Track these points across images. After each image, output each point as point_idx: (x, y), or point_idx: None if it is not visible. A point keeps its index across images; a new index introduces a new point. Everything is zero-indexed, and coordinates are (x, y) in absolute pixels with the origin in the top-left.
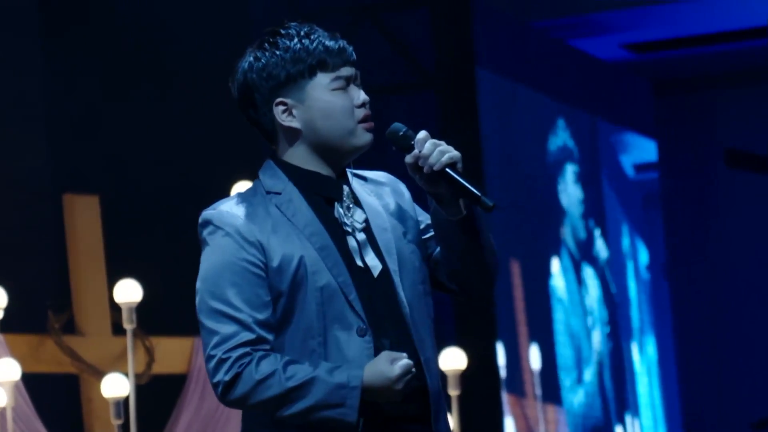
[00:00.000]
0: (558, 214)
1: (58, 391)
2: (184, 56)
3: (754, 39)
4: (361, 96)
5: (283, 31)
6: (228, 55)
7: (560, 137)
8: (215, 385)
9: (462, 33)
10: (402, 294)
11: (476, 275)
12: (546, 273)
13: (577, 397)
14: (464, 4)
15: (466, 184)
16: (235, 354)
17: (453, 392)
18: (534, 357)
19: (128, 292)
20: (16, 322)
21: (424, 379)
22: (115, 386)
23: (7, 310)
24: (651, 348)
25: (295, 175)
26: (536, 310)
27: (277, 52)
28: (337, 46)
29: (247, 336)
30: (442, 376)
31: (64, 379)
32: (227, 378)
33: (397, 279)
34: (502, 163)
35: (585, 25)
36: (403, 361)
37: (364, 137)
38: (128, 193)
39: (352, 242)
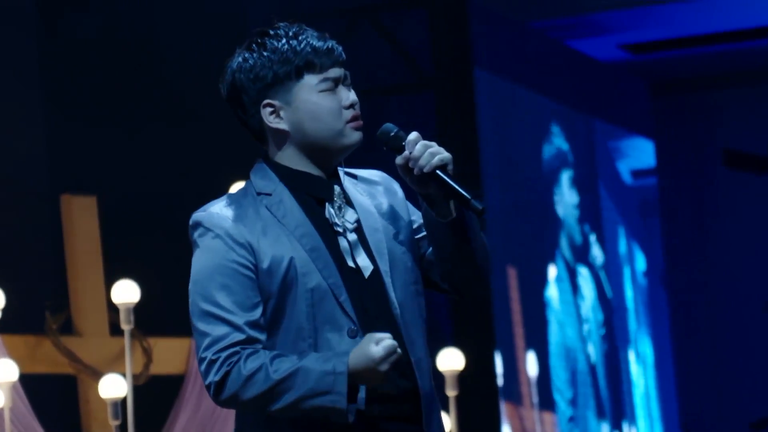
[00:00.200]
0: (554, 223)
1: (56, 391)
2: (182, 57)
3: (752, 39)
4: (350, 97)
5: (271, 32)
6: (225, 56)
7: (554, 144)
8: (208, 387)
9: (460, 33)
10: (393, 295)
11: (468, 276)
12: (543, 280)
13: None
14: (462, 4)
15: (456, 187)
16: (224, 354)
17: (450, 393)
18: (531, 364)
19: (126, 292)
20: (14, 323)
21: (415, 380)
22: (113, 387)
23: (4, 310)
24: (648, 352)
25: (286, 175)
26: (533, 317)
27: (265, 53)
28: (325, 47)
29: (237, 337)
30: (440, 377)
31: (62, 380)
32: (217, 378)
33: (388, 280)
34: (499, 165)
35: (583, 26)
36: (387, 341)
37: (352, 137)
38: (126, 194)
39: (343, 243)
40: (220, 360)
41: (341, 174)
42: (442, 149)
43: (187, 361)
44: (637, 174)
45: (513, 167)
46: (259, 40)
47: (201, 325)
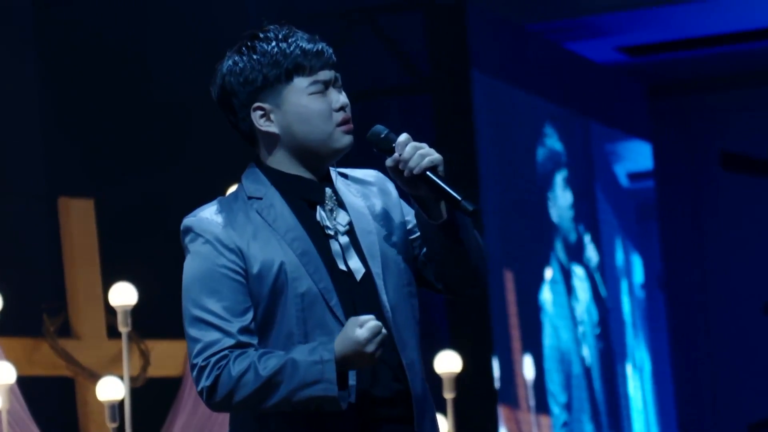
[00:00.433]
0: (549, 225)
1: (54, 394)
2: (180, 59)
3: (750, 42)
4: (340, 99)
5: (261, 35)
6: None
7: (548, 145)
8: (200, 393)
9: (457, 36)
10: (384, 297)
11: (462, 276)
12: (539, 283)
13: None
14: (460, 7)
15: (446, 188)
16: (214, 359)
17: (448, 395)
18: (527, 368)
19: (123, 295)
20: (12, 326)
21: (407, 382)
22: (111, 389)
23: (2, 313)
24: (645, 355)
25: (277, 179)
26: (529, 320)
27: (255, 56)
28: (314, 49)
29: (228, 343)
30: (437, 379)
31: (60, 382)
32: (208, 383)
33: (380, 282)
34: (497, 167)
35: (580, 28)
36: (371, 322)
37: (342, 140)
38: (123, 197)
39: (335, 246)
40: (210, 365)
41: (334, 175)
42: (432, 150)
43: (184, 364)
44: (634, 176)
45: (511, 169)
46: (249, 43)
47: (192, 331)
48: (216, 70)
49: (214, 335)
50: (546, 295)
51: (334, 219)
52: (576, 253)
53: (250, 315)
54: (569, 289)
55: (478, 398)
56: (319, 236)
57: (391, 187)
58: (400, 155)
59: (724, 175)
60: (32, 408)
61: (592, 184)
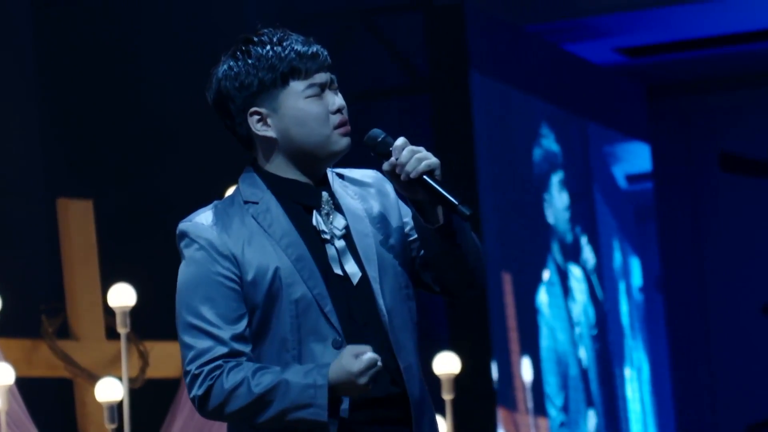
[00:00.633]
0: (546, 227)
1: (52, 395)
2: (178, 61)
3: (749, 43)
4: (337, 102)
5: (255, 39)
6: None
7: (544, 146)
8: (192, 400)
9: (456, 37)
10: (381, 301)
11: (460, 278)
12: (536, 285)
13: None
14: (458, 8)
15: (443, 192)
16: (207, 368)
17: (447, 397)
18: (526, 370)
19: (122, 296)
20: (10, 327)
21: (404, 386)
22: (109, 390)
23: (1, 314)
24: (643, 357)
25: (274, 183)
26: (527, 323)
27: (250, 61)
28: (309, 52)
29: (221, 350)
30: (436, 381)
31: (58, 384)
32: (200, 392)
33: (376, 286)
34: (496, 169)
35: (579, 29)
36: (367, 355)
37: (340, 143)
38: (122, 198)
39: (331, 250)
40: (203, 374)
41: (331, 177)
42: (429, 154)
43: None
44: (633, 178)
45: (509, 170)
46: (244, 48)
47: (185, 338)
48: (211, 75)
49: (207, 342)
50: (543, 297)
51: (331, 223)
52: (573, 254)
53: (244, 322)
54: (566, 291)
55: (476, 399)
56: (315, 241)
57: (389, 188)
58: (396, 159)
59: (723, 176)
60: (31, 409)
61: (590, 185)
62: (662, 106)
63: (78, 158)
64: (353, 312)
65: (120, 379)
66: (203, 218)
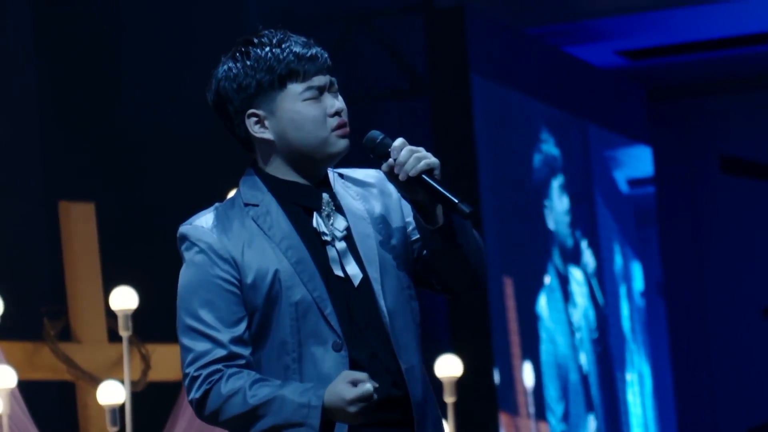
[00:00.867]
0: (546, 232)
1: (54, 398)
2: (179, 64)
3: (750, 46)
4: (335, 104)
5: (255, 40)
6: None
7: (544, 150)
8: (190, 403)
9: (456, 40)
10: (382, 303)
11: (461, 278)
12: (537, 291)
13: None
14: (459, 10)
15: (442, 191)
16: (206, 371)
17: (448, 399)
18: (527, 374)
19: (124, 299)
20: (12, 329)
21: (405, 388)
22: (111, 393)
23: (2, 317)
24: (644, 360)
25: (274, 185)
26: (529, 328)
27: (248, 62)
28: (309, 54)
29: (220, 353)
30: (438, 383)
31: (60, 387)
32: (198, 395)
33: (377, 287)
34: (496, 172)
35: (580, 32)
36: (364, 386)
37: (338, 145)
38: (124, 200)
39: (332, 252)
40: (201, 377)
41: (333, 177)
42: (429, 154)
43: None
44: (634, 181)
45: (510, 174)
46: (243, 49)
47: (185, 341)
48: (211, 75)
49: (206, 345)
50: (543, 304)
51: (331, 224)
52: (573, 258)
53: (243, 325)
54: (566, 296)
55: (478, 402)
56: (316, 243)
57: (391, 188)
58: (395, 160)
59: (724, 179)
60: (33, 412)
61: (591, 188)
62: (663, 108)
63: (79, 161)
64: (354, 314)
65: (122, 382)
66: (203, 221)
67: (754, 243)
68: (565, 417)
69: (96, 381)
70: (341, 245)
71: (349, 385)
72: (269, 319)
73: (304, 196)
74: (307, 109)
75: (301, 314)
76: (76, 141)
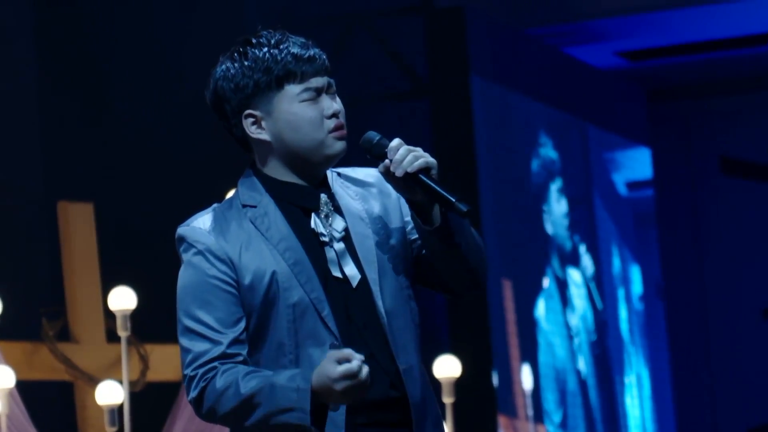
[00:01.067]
0: (544, 235)
1: (53, 398)
2: (178, 64)
3: (749, 47)
4: (333, 106)
5: (254, 41)
6: None
7: (542, 154)
8: (190, 403)
9: (456, 41)
10: (380, 303)
11: (461, 277)
12: (536, 294)
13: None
14: (458, 11)
15: (439, 190)
16: (202, 370)
17: (447, 400)
18: (526, 377)
19: (123, 299)
20: (11, 329)
21: (403, 389)
22: (110, 393)
23: (1, 317)
24: (644, 363)
25: (272, 186)
26: (527, 331)
27: (246, 62)
28: (306, 55)
29: (215, 353)
30: (437, 384)
31: (59, 387)
32: (195, 394)
33: (376, 288)
34: (496, 173)
35: (580, 33)
36: (350, 364)
37: (334, 146)
38: (122, 201)
39: (330, 253)
40: (198, 376)
41: (332, 177)
42: (426, 153)
43: None
44: (633, 185)
45: (509, 176)
46: (242, 49)
47: (184, 342)
48: (210, 75)
49: (204, 346)
50: (541, 310)
51: (330, 225)
52: (572, 261)
53: (241, 325)
54: (565, 300)
55: (477, 404)
56: (314, 244)
57: (391, 188)
58: (391, 160)
59: (723, 180)
60: (31, 412)
61: (590, 191)
62: (662, 109)
63: (78, 161)
64: (352, 315)
65: (120, 382)
66: (201, 222)
67: (754, 244)
68: (563, 424)
69: (94, 381)
70: (339, 246)
71: (335, 364)
72: (267, 320)
73: (302, 197)
74: (304, 111)
75: (298, 316)
76: (76, 141)
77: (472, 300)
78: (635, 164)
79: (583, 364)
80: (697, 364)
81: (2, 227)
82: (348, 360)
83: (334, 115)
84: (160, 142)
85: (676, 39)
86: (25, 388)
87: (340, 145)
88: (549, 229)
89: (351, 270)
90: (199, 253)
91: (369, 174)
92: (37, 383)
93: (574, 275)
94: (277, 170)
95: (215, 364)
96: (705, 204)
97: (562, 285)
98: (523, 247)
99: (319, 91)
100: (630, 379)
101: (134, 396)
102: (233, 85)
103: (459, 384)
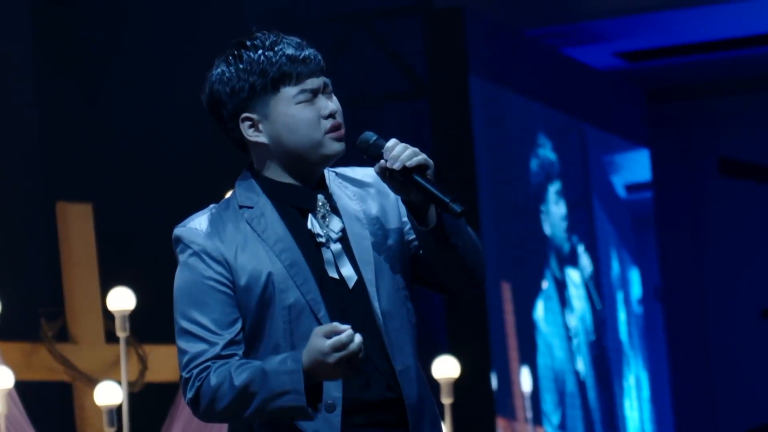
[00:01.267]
0: (543, 237)
1: (51, 398)
2: (177, 65)
3: (749, 47)
4: (329, 106)
5: (248, 43)
6: None
7: (541, 155)
8: (187, 404)
9: (455, 41)
10: (376, 304)
11: (458, 277)
12: (535, 296)
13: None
14: (457, 12)
15: (434, 190)
16: (197, 371)
17: (446, 401)
18: (525, 379)
19: (121, 299)
20: (9, 330)
21: (399, 390)
22: (108, 394)
23: (0, 317)
24: (641, 367)
25: (269, 187)
26: (526, 333)
27: (241, 66)
28: (301, 56)
29: (211, 354)
30: (435, 384)
31: (57, 387)
32: (191, 395)
33: (372, 290)
34: (495, 174)
35: (578, 34)
36: (336, 338)
37: (332, 147)
38: (121, 201)
39: (327, 254)
40: (193, 377)
41: (330, 177)
42: (422, 153)
43: None
44: (632, 187)
45: (508, 177)
46: (236, 52)
47: (180, 343)
48: (206, 79)
49: (200, 347)
50: (540, 312)
51: (327, 226)
52: (570, 260)
53: (237, 326)
54: (563, 301)
55: (475, 405)
56: (310, 245)
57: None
58: (386, 161)
59: (723, 181)
60: (30, 412)
61: (589, 193)
62: (661, 110)
63: (77, 161)
64: (348, 316)
65: (119, 382)
66: (197, 223)
67: (753, 245)
68: (562, 425)
69: (93, 382)
70: (336, 247)
71: (323, 338)
72: (262, 321)
73: (299, 198)
74: (301, 112)
75: (294, 317)
76: (75, 142)
77: (471, 301)
78: (634, 166)
79: (581, 365)
80: (696, 365)
81: (1, 227)
82: (336, 332)
83: (331, 115)
84: (160, 142)
85: (675, 40)
86: (23, 389)
87: (337, 146)
88: (547, 230)
89: (348, 271)
90: (195, 254)
91: (367, 174)
92: (36, 384)
93: (572, 275)
94: (274, 172)
95: (209, 363)
96: (704, 205)
97: (561, 286)
98: (522, 249)
99: (315, 92)
100: (629, 383)
101: (133, 396)
102: (229, 89)
103: (457, 385)
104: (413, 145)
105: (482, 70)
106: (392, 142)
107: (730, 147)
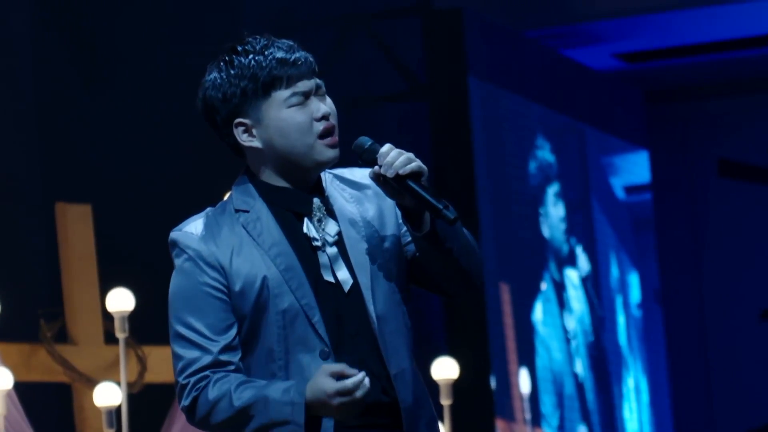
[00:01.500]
0: (542, 241)
1: (51, 400)
2: (176, 67)
3: (748, 48)
4: (321, 108)
5: (239, 48)
6: None
7: (539, 157)
8: (182, 410)
9: (454, 42)
10: (371, 308)
11: (454, 280)
12: (534, 298)
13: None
14: (456, 13)
15: (427, 197)
16: (194, 379)
17: (445, 402)
18: (523, 381)
19: (121, 300)
20: (9, 331)
21: (394, 394)
22: (108, 395)
23: None
24: (640, 369)
25: (265, 191)
26: (525, 335)
27: (232, 71)
28: (291, 59)
29: (207, 360)
30: (434, 386)
31: (57, 388)
32: (187, 403)
33: (367, 293)
34: (494, 176)
35: (577, 35)
36: (342, 382)
37: (325, 154)
38: (121, 202)
39: (323, 258)
40: (190, 385)
41: (327, 179)
42: (417, 159)
43: None
44: (631, 189)
45: (507, 178)
46: (227, 57)
47: (176, 348)
48: (200, 84)
49: (195, 353)
50: (538, 314)
51: (323, 229)
52: (569, 261)
53: (233, 332)
54: (562, 303)
55: (475, 406)
56: (306, 249)
57: None
58: (380, 166)
59: (722, 182)
60: (29, 414)
61: (588, 195)
62: (660, 111)
63: (76, 162)
64: (343, 320)
65: (118, 383)
66: (193, 227)
67: (753, 247)
68: (561, 427)
69: (92, 383)
70: (332, 250)
71: (330, 379)
72: (257, 326)
73: (295, 202)
74: (293, 116)
75: (288, 322)
76: (74, 142)
77: (470, 303)
78: (633, 167)
79: (580, 366)
80: (695, 367)
81: (1, 228)
82: (343, 375)
83: (324, 117)
84: (159, 143)
85: (674, 41)
86: (23, 390)
87: (331, 153)
88: (546, 232)
89: (343, 274)
90: (190, 259)
91: (365, 175)
92: (35, 385)
93: (571, 276)
94: (269, 176)
95: (207, 372)
96: (703, 206)
97: (560, 287)
98: (520, 250)
99: (307, 95)
100: (628, 384)
101: (132, 397)
102: (221, 95)
103: (456, 386)
104: (412, 146)
105: (481, 71)
106: (386, 147)
107: (730, 148)
